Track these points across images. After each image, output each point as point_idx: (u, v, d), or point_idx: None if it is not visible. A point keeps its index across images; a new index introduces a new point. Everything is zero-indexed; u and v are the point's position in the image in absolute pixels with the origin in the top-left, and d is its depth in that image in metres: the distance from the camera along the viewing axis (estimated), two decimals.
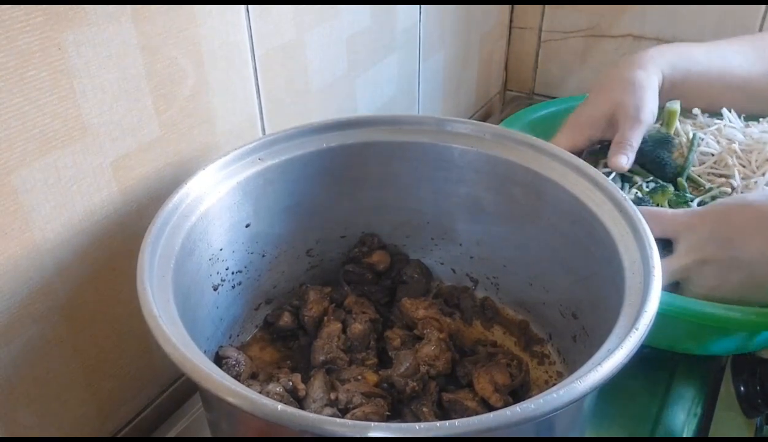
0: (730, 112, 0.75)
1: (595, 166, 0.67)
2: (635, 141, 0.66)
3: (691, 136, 0.71)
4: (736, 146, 0.71)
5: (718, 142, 0.71)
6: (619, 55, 1.04)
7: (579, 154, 0.69)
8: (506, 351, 0.56)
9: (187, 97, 0.53)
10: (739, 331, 0.54)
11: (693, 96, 0.72)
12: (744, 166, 0.70)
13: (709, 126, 0.74)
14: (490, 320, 0.61)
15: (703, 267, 0.53)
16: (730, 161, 0.69)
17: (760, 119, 0.75)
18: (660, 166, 0.68)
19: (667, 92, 0.70)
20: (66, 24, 0.42)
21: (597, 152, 0.71)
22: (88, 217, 0.48)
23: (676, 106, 0.71)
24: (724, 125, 0.73)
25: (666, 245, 0.56)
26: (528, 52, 1.13)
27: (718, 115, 0.76)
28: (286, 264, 0.60)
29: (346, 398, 0.48)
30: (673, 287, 0.56)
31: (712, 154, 0.70)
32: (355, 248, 0.63)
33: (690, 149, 0.69)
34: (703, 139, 0.70)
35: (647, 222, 0.51)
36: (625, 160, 0.65)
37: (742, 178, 0.68)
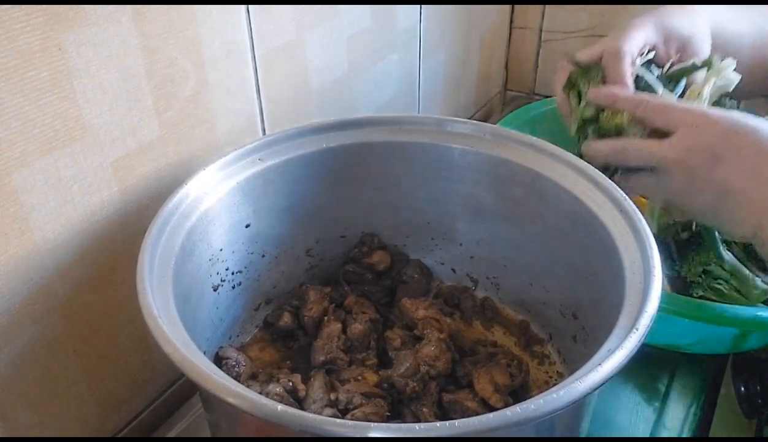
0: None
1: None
2: None
3: None
4: None
5: None
6: None
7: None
8: (506, 351, 0.56)
9: (188, 97, 0.53)
10: (734, 328, 0.54)
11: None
12: None
13: None
14: (490, 320, 0.61)
15: (682, 170, 0.51)
16: None
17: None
18: None
19: None
20: (66, 24, 0.42)
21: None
22: (88, 217, 0.48)
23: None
24: None
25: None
26: (528, 52, 1.13)
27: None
28: (286, 264, 0.60)
29: (346, 399, 0.48)
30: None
31: None
32: (355, 248, 0.63)
33: None
34: None
35: (654, 112, 0.51)
36: None
37: None
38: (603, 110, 0.56)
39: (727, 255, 0.63)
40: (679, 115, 0.53)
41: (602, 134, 0.56)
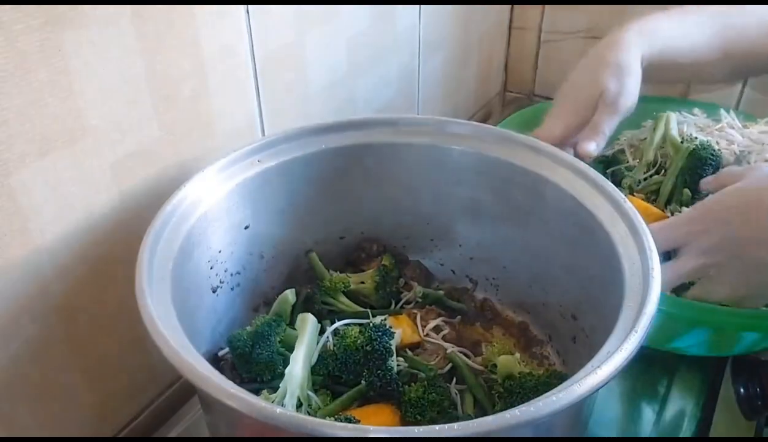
0: (728, 112, 0.75)
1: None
2: (608, 128, 0.65)
3: (690, 137, 0.71)
4: (735, 147, 0.71)
5: (717, 143, 0.71)
6: None
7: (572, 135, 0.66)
8: None
9: (187, 98, 0.53)
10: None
11: (660, 74, 0.71)
12: None
13: (709, 126, 0.74)
14: (489, 321, 0.61)
15: (719, 269, 0.53)
16: (731, 160, 0.69)
17: (758, 120, 0.75)
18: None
19: (642, 72, 0.68)
20: (66, 25, 0.42)
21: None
22: (87, 218, 0.48)
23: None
24: (726, 125, 0.73)
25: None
26: (528, 53, 1.13)
27: (715, 112, 0.76)
28: (284, 266, 0.60)
29: None
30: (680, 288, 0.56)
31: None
32: (354, 253, 0.63)
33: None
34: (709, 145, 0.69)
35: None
36: (594, 147, 0.64)
37: None
38: None
39: None
40: (670, 231, 0.54)
41: None
